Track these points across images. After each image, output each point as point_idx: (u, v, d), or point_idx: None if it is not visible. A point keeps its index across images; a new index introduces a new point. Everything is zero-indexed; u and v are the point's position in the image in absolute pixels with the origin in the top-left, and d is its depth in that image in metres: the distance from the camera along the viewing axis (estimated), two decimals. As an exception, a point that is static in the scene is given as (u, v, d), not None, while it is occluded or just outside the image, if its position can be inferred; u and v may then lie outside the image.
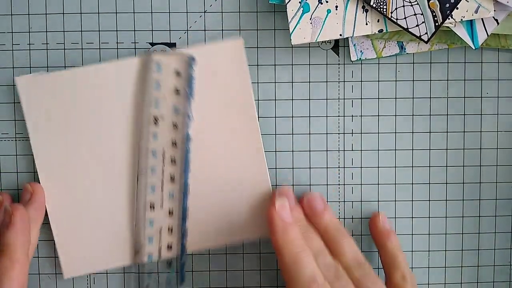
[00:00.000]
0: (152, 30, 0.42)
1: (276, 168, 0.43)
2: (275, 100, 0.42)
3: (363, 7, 0.39)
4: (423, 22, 0.39)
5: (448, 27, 0.40)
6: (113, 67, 0.41)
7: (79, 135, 0.41)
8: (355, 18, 0.40)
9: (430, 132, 0.43)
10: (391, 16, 0.39)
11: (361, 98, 0.43)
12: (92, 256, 0.41)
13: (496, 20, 0.40)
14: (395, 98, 0.43)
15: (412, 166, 0.43)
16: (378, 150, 0.43)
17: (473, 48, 0.40)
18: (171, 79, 0.40)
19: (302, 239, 0.37)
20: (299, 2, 0.39)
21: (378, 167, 0.43)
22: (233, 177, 0.41)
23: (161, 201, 0.41)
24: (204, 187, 0.41)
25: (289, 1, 0.39)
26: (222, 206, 0.41)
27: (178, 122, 0.40)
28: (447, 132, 0.43)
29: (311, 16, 0.39)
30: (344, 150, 0.43)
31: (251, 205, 0.41)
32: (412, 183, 0.43)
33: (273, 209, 0.38)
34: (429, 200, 0.43)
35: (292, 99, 0.42)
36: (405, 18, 0.39)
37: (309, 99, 0.43)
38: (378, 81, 0.42)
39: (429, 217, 0.43)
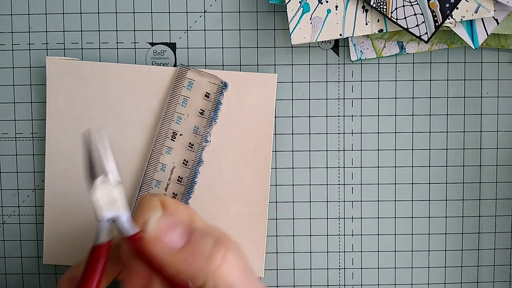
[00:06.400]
0: (152, 30, 0.42)
1: (276, 168, 0.43)
2: (275, 100, 0.42)
3: (363, 7, 0.39)
4: (423, 22, 0.39)
5: (448, 27, 0.40)
6: (146, 71, 0.41)
7: (94, 128, 0.41)
8: (355, 18, 0.40)
9: (430, 132, 0.43)
10: (391, 16, 0.39)
11: (361, 98, 0.43)
12: (76, 250, 0.41)
13: (496, 20, 0.40)
14: (395, 98, 0.43)
15: (412, 166, 0.43)
16: (378, 150, 0.43)
17: (473, 48, 0.40)
18: (199, 100, 0.40)
19: None
20: (299, 2, 0.39)
21: (378, 167, 0.43)
22: (233, 209, 0.41)
23: None
24: (201, 213, 0.41)
25: (289, 1, 0.39)
26: None
27: (195, 142, 0.40)
28: (447, 132, 0.43)
29: (311, 16, 0.39)
30: (344, 150, 0.43)
31: (243, 242, 0.41)
32: (412, 183, 0.43)
33: None
34: (429, 200, 0.43)
35: (292, 99, 0.42)
36: (405, 18, 0.39)
37: (309, 99, 0.43)
38: (378, 81, 0.42)
39: (429, 217, 0.43)
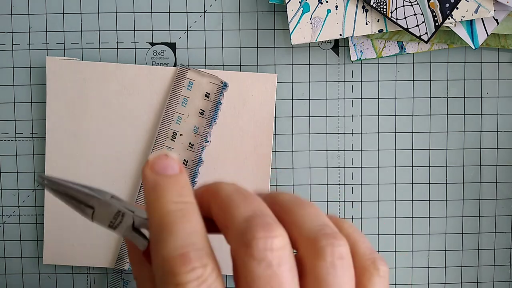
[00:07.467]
0: (152, 30, 0.42)
1: (276, 168, 0.43)
2: (275, 100, 0.42)
3: (363, 7, 0.39)
4: (423, 22, 0.39)
5: (448, 27, 0.40)
6: (146, 71, 0.41)
7: (94, 129, 0.41)
8: (355, 18, 0.40)
9: (430, 132, 0.43)
10: (391, 16, 0.39)
11: (361, 98, 0.43)
12: (75, 250, 0.41)
13: (496, 20, 0.40)
14: (395, 98, 0.43)
15: (412, 166, 0.43)
16: (378, 150, 0.43)
17: (473, 48, 0.40)
18: (199, 100, 0.40)
19: (188, 195, 0.24)
20: (299, 2, 0.39)
21: (378, 167, 0.43)
22: None
23: None
24: None
25: (289, 1, 0.39)
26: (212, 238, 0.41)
27: (195, 142, 0.40)
28: (447, 132, 0.43)
29: (311, 16, 0.39)
30: (344, 150, 0.43)
31: None
32: (412, 183, 0.43)
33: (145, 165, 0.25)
34: (429, 200, 0.43)
35: (292, 99, 0.42)
36: (405, 18, 0.39)
37: (309, 99, 0.43)
38: (378, 81, 0.42)
39: (429, 217, 0.43)
